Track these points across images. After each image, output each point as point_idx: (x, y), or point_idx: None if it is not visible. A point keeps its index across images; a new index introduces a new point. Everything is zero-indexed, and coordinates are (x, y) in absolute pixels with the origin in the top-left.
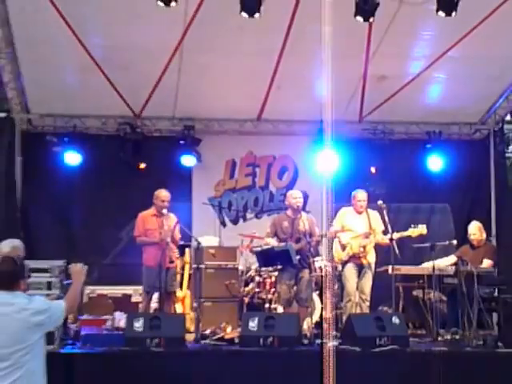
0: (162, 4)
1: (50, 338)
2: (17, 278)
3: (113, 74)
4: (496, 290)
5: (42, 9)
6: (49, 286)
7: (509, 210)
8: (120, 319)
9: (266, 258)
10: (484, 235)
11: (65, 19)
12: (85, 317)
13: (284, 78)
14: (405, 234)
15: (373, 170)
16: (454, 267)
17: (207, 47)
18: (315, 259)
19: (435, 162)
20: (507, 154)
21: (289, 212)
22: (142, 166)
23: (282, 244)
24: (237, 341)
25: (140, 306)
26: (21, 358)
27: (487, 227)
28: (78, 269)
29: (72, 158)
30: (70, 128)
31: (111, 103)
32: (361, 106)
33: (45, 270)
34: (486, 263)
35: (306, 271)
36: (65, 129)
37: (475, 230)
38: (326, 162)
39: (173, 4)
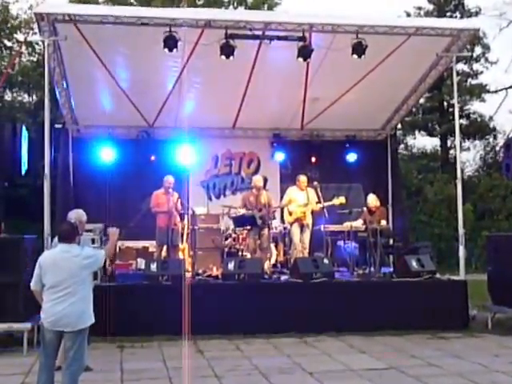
0: (167, 50)
1: (94, 275)
2: (73, 234)
3: (134, 97)
4: (391, 240)
5: (86, 54)
6: (93, 241)
7: (399, 187)
8: (141, 263)
9: (240, 221)
10: (378, 203)
11: (102, 61)
12: (117, 262)
13: (250, 99)
14: (330, 202)
15: (312, 160)
16: (364, 225)
17: (198, 78)
18: (272, 222)
19: (351, 156)
20: (399, 151)
21: (254, 190)
22: (155, 160)
23: (250, 212)
24: (220, 277)
25: (154, 254)
26: (76, 287)
27: (385, 200)
28: (114, 231)
29: (107, 155)
30: (106, 135)
31: (133, 117)
32: (302, 118)
33: (90, 231)
34: (383, 223)
35: (266, 230)
36: (103, 135)
37: (372, 200)
38: (279, 156)
39: (174, 50)
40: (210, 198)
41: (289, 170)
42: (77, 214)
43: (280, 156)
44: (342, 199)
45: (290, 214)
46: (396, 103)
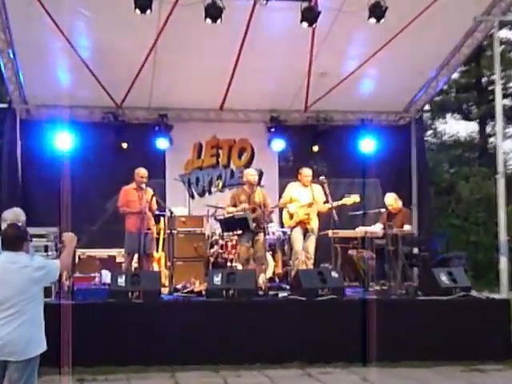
0: (138, 12)
1: (47, 291)
2: (21, 240)
3: (98, 71)
4: (416, 249)
5: (38, 17)
6: (45, 248)
7: (427, 183)
8: (106, 276)
9: (228, 224)
10: (399, 203)
11: (58, 26)
12: (77, 274)
13: (242, 73)
14: (341, 202)
15: (315, 149)
16: (382, 231)
17: (177, 48)
18: (269, 225)
19: (367, 144)
20: (426, 138)
21: (246, 187)
22: (124, 148)
23: (241, 213)
24: (204, 293)
25: (123, 265)
26: (24, 305)
27: (408, 199)
28: (70, 236)
29: (64, 142)
30: (63, 117)
31: (97, 96)
32: (306, 97)
33: (42, 236)
34: (406, 227)
35: (261, 235)
36: (58, 117)
37: (391, 201)
38: (277, 145)
39: (148, 12)
40: (192, 196)
41: (289, 162)
42: (13, 214)
43: (278, 144)
44: (355, 198)
45: (291, 215)
46: (423, 79)
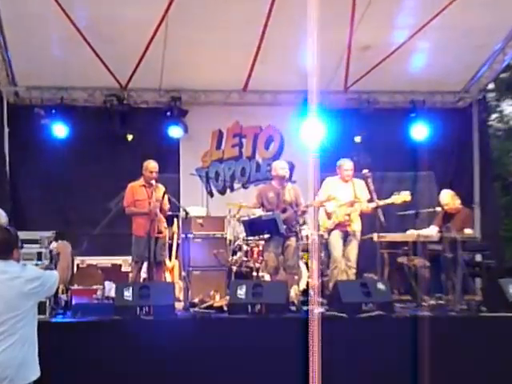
0: None
1: (41, 307)
2: (10, 247)
3: (99, 46)
4: (479, 256)
5: None
6: (39, 256)
7: (491, 177)
8: (110, 289)
9: (253, 227)
10: (457, 202)
11: None
12: (75, 287)
13: (269, 48)
14: (388, 201)
15: (358, 139)
16: (437, 234)
17: (192, 19)
18: (302, 228)
19: (419, 131)
20: (490, 123)
21: (274, 182)
22: (130, 137)
23: (269, 213)
24: (225, 309)
25: (129, 275)
26: (15, 324)
27: (469, 196)
28: (62, 246)
29: (59, 130)
30: (57, 100)
31: (97, 75)
32: (346, 75)
33: (35, 241)
34: (467, 231)
35: (293, 239)
36: (52, 101)
37: (447, 199)
38: (312, 132)
39: None
40: (211, 194)
41: (326, 153)
42: None
43: (313, 131)
44: (405, 195)
45: (329, 216)
46: (486, 53)
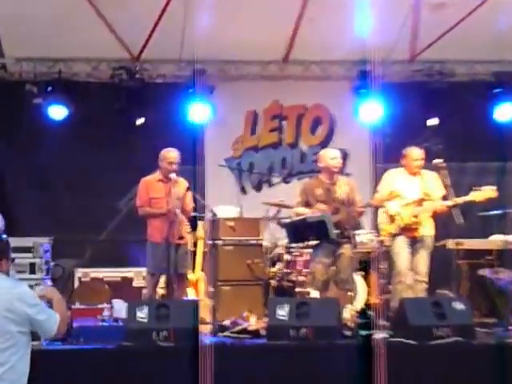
0: None
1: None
2: (1, 255)
3: (106, 8)
4: None
5: None
6: (32, 268)
7: None
8: (119, 308)
9: (297, 231)
10: None
11: None
12: (76, 306)
13: (317, 7)
14: (468, 198)
15: (428, 121)
16: None
17: None
18: (357, 232)
19: (506, 111)
20: None
21: (323, 176)
22: (143, 120)
23: (317, 214)
24: (263, 333)
25: (144, 291)
26: (4, 350)
27: None
28: (51, 291)
29: (57, 112)
30: (54, 75)
31: (104, 43)
32: (413, 41)
33: (27, 249)
34: None
35: (347, 247)
36: (47, 76)
37: None
38: (370, 113)
39: None
40: (244, 190)
41: (388, 139)
42: None
43: (372, 112)
44: (489, 191)
45: (392, 218)
46: None
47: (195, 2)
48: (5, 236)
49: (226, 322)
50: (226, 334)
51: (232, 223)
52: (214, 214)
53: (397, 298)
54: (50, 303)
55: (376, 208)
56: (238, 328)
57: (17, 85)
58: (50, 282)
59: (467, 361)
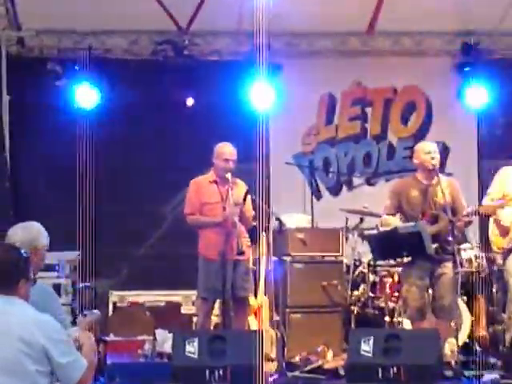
0: None
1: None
2: (14, 276)
3: None
4: None
5: None
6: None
7: None
8: (164, 341)
9: (386, 245)
10: None
11: None
12: (111, 338)
13: None
14: None
15: None
16: None
17: None
18: (462, 247)
19: None
20: None
21: (419, 175)
22: (192, 107)
23: (410, 224)
24: (342, 373)
25: (194, 319)
26: None
27: None
28: (85, 337)
29: (85, 97)
30: (83, 51)
31: (144, 12)
32: None
33: (50, 268)
34: None
35: (448, 265)
36: (74, 52)
37: None
38: (477, 97)
39: None
40: (318, 194)
41: (499, 130)
42: (28, 232)
43: (478, 96)
44: None
45: (505, 230)
46: None
47: None
48: (24, 251)
49: (297, 359)
50: (296, 373)
51: (303, 235)
52: (281, 224)
53: (511, 329)
54: (79, 348)
55: (485, 216)
56: (310, 366)
57: (36, 62)
58: (95, 311)
59: None
